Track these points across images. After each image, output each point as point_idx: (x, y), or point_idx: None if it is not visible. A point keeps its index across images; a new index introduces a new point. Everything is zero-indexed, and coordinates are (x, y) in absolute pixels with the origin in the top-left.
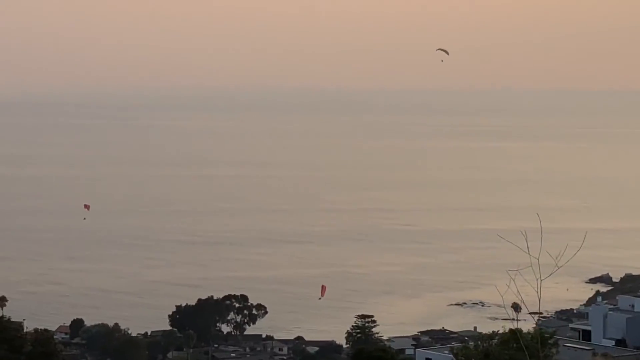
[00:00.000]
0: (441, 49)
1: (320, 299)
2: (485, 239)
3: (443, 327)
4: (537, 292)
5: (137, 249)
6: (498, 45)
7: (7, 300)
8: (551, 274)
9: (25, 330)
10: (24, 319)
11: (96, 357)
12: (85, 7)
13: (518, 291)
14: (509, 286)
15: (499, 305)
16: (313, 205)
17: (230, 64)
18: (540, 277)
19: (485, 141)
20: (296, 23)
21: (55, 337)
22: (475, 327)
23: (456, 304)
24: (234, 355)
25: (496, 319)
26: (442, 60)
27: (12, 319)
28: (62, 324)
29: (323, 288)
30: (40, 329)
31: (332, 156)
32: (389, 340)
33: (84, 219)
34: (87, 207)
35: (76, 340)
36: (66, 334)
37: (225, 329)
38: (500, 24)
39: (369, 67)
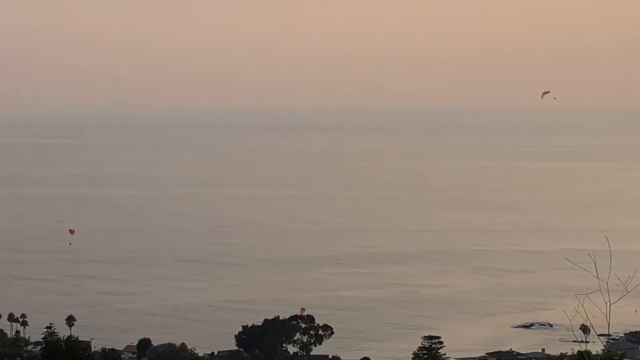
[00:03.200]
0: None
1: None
2: (554, 261)
3: (510, 349)
4: (607, 317)
5: (204, 268)
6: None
7: (75, 320)
8: (620, 298)
9: (93, 350)
10: (91, 339)
11: None
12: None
13: (587, 315)
14: (577, 310)
15: (567, 328)
16: (382, 225)
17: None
18: (610, 301)
19: (553, 161)
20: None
21: (122, 356)
22: (543, 349)
23: (524, 326)
24: None
25: (565, 341)
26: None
27: (80, 339)
28: (129, 344)
29: (302, 310)
30: (108, 349)
31: (401, 176)
32: None
33: (70, 244)
34: (72, 232)
35: (143, 359)
36: (133, 353)
37: (292, 349)
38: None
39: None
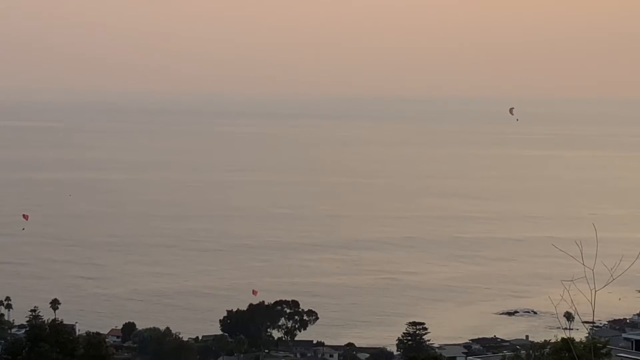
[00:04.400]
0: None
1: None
2: (539, 248)
3: (494, 336)
4: (592, 303)
5: (190, 253)
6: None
7: (59, 303)
8: (606, 285)
9: (77, 334)
10: (76, 322)
11: None
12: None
13: (572, 301)
14: (562, 296)
15: (551, 314)
16: (368, 212)
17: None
18: (595, 287)
19: (540, 149)
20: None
21: (106, 340)
22: (527, 336)
23: (508, 313)
24: None
25: (549, 328)
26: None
27: (64, 322)
28: (113, 327)
29: (254, 292)
30: (92, 332)
31: (388, 164)
32: (440, 347)
33: (23, 229)
34: (25, 217)
35: (127, 343)
36: (118, 337)
37: (276, 334)
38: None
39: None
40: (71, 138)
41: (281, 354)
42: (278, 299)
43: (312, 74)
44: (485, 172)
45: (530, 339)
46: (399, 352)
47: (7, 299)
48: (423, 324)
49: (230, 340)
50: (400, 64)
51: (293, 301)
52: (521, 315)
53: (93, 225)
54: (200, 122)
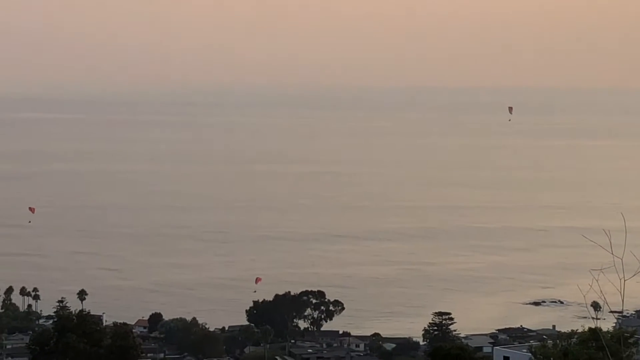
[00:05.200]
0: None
1: (255, 292)
2: (563, 238)
3: (521, 326)
4: (621, 293)
5: (215, 244)
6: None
7: (87, 294)
8: (635, 274)
9: (104, 324)
10: (103, 313)
11: (174, 351)
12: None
13: (601, 291)
14: (591, 286)
15: (578, 304)
16: (390, 203)
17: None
18: (624, 276)
19: (567, 139)
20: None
21: (133, 330)
22: (554, 326)
23: (534, 303)
24: (310, 351)
25: (576, 317)
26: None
27: (91, 313)
28: (140, 318)
29: (257, 279)
30: (119, 323)
31: (409, 155)
32: (466, 338)
33: (29, 222)
34: (32, 210)
35: (154, 334)
36: (144, 327)
37: (302, 324)
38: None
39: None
40: (92, 130)
41: (307, 344)
42: (304, 290)
43: (331, 62)
44: (507, 162)
45: (557, 328)
46: (425, 342)
47: (35, 290)
48: (449, 314)
49: (256, 330)
50: (418, 53)
51: (319, 291)
52: (547, 305)
53: (116, 217)
54: (219, 112)
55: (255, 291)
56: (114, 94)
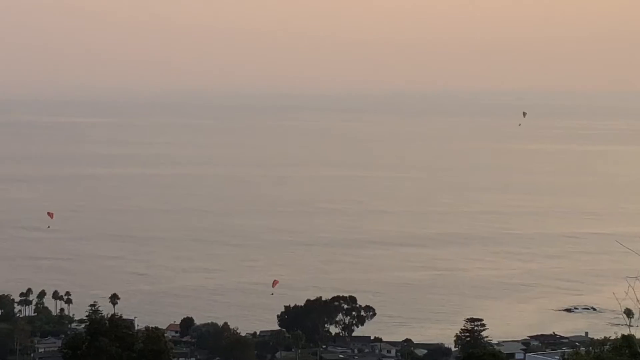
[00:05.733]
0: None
1: (272, 294)
2: (595, 244)
3: (553, 332)
4: None
5: (246, 249)
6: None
7: (119, 298)
8: None
9: (136, 328)
10: (135, 317)
11: (205, 355)
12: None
13: (637, 298)
14: (627, 292)
15: (611, 311)
16: (422, 208)
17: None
18: None
19: (597, 145)
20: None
21: (165, 335)
22: (586, 333)
23: (567, 309)
24: (342, 356)
25: (609, 324)
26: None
27: (123, 317)
28: (172, 322)
29: (275, 282)
30: (151, 327)
31: (441, 159)
32: (498, 344)
33: (48, 227)
34: (50, 215)
35: (186, 338)
36: (176, 332)
37: (334, 330)
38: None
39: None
40: (125, 134)
41: (339, 349)
42: (335, 295)
43: (368, 69)
44: (540, 167)
45: (589, 335)
46: (456, 349)
47: (67, 293)
48: (481, 320)
49: (287, 335)
50: (447, 57)
51: (350, 297)
52: (580, 312)
53: (147, 221)
54: (256, 116)
55: (272, 294)
56: (150, 96)
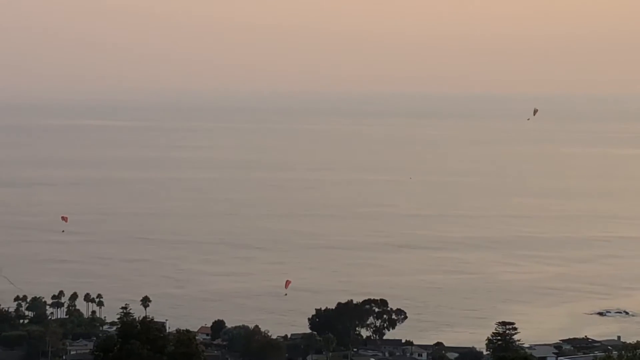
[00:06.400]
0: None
1: (285, 294)
2: (631, 248)
3: (585, 336)
4: None
5: (277, 252)
6: None
7: (150, 301)
8: None
9: (167, 331)
10: (166, 320)
11: (236, 358)
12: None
13: None
14: None
15: None
16: (452, 211)
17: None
18: None
19: (630, 148)
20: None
21: (196, 337)
22: (619, 337)
23: (598, 313)
24: (373, 359)
25: None
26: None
27: (155, 319)
28: (203, 325)
29: (287, 283)
30: (182, 330)
31: (472, 163)
32: (530, 347)
33: (63, 231)
34: (65, 219)
35: (217, 341)
36: (207, 335)
37: (365, 333)
38: None
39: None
40: (158, 137)
41: (370, 352)
42: (366, 298)
43: (399, 70)
44: (572, 171)
45: (622, 339)
46: (488, 352)
47: (99, 296)
48: (513, 323)
49: (318, 338)
50: (488, 59)
51: (381, 300)
52: (612, 316)
53: (175, 224)
54: (288, 120)
55: (286, 294)
56: (176, 100)
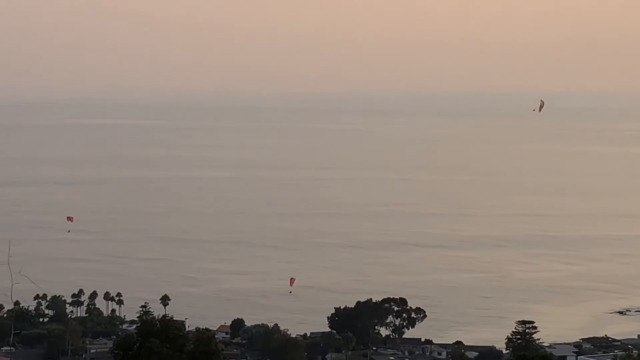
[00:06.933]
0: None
1: (290, 292)
2: None
3: (605, 335)
4: None
5: (292, 251)
6: None
7: (169, 299)
8: None
9: (187, 329)
10: (186, 318)
11: (256, 357)
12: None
13: None
14: None
15: None
16: (469, 210)
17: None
18: None
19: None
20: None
21: (216, 336)
22: (639, 336)
23: (618, 312)
24: (392, 358)
25: None
26: (534, 110)
27: (174, 318)
28: (223, 324)
29: (292, 280)
30: (202, 328)
31: (490, 161)
32: (550, 346)
33: (69, 231)
34: (70, 219)
35: (236, 339)
36: (227, 333)
37: (384, 332)
38: None
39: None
40: (172, 137)
41: (389, 351)
42: (386, 297)
43: (412, 69)
44: (589, 169)
45: None
46: (508, 351)
47: (118, 294)
48: (533, 322)
49: (338, 337)
50: (505, 58)
51: (401, 299)
52: (632, 315)
53: (191, 223)
54: (299, 119)
55: (290, 292)
56: (191, 99)
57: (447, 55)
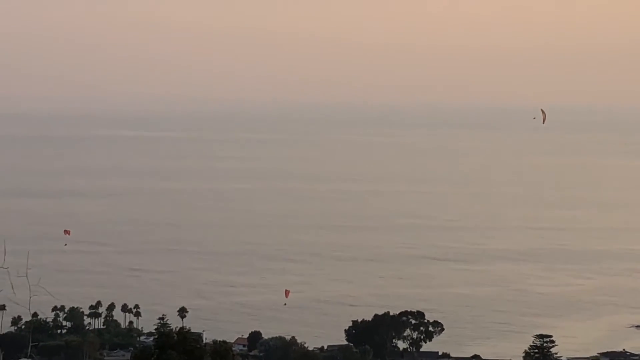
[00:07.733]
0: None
1: (285, 304)
2: None
3: (624, 349)
4: None
5: (310, 264)
6: None
7: (187, 312)
8: None
9: (204, 341)
10: (203, 330)
11: None
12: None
13: None
14: None
15: None
16: (492, 223)
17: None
18: None
19: None
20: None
21: (233, 348)
22: None
23: (637, 326)
24: None
25: None
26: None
27: (191, 330)
28: (240, 336)
29: (287, 292)
30: (219, 341)
31: (517, 174)
32: None
33: (65, 244)
34: (67, 232)
35: (254, 352)
36: (244, 345)
37: (401, 345)
38: None
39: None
40: (201, 148)
41: None
42: (403, 310)
43: (432, 81)
44: (610, 182)
45: None
46: None
47: (136, 306)
48: (550, 336)
49: (355, 350)
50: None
51: (418, 312)
52: None
53: (208, 236)
54: (319, 131)
55: (285, 304)
56: (205, 111)
57: (462, 66)
